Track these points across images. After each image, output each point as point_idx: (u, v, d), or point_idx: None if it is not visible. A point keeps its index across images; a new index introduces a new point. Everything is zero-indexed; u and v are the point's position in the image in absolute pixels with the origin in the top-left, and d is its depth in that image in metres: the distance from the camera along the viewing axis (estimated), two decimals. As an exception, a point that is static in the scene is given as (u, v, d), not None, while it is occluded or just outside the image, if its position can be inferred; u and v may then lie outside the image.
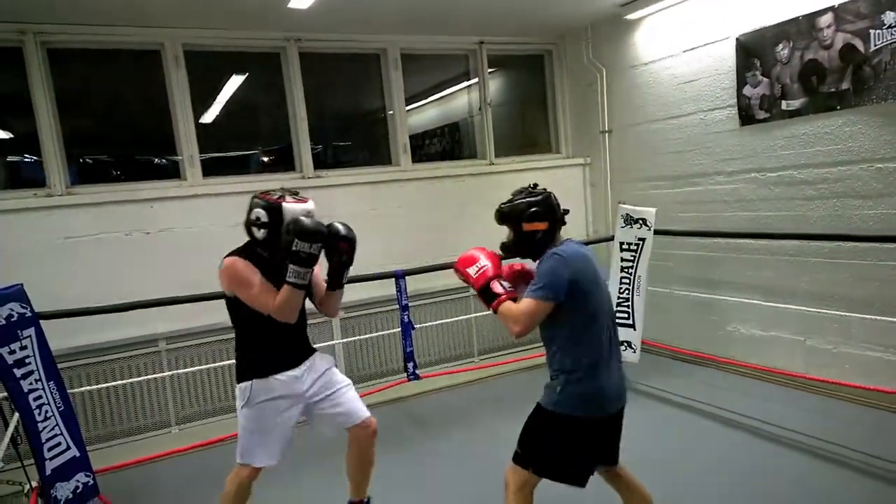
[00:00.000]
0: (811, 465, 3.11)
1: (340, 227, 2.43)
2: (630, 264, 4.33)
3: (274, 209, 2.33)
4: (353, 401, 2.60)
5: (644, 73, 4.95)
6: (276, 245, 2.33)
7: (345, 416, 2.58)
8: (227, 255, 2.42)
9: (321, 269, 2.52)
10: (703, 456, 3.31)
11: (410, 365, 4.11)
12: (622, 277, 4.37)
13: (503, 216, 2.23)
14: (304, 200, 2.40)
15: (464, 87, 5.65)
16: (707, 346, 4.64)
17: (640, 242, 4.28)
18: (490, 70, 5.51)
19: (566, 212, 2.25)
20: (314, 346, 2.65)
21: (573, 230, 5.57)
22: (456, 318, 4.84)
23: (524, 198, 2.21)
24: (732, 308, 4.44)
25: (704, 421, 3.76)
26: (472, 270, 2.21)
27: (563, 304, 2.05)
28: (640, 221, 4.28)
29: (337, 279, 2.51)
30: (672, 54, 4.67)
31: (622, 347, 4.32)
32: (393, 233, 4.84)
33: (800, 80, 3.85)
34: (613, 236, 4.46)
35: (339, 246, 2.42)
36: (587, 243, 5.32)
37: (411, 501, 3.00)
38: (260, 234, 2.38)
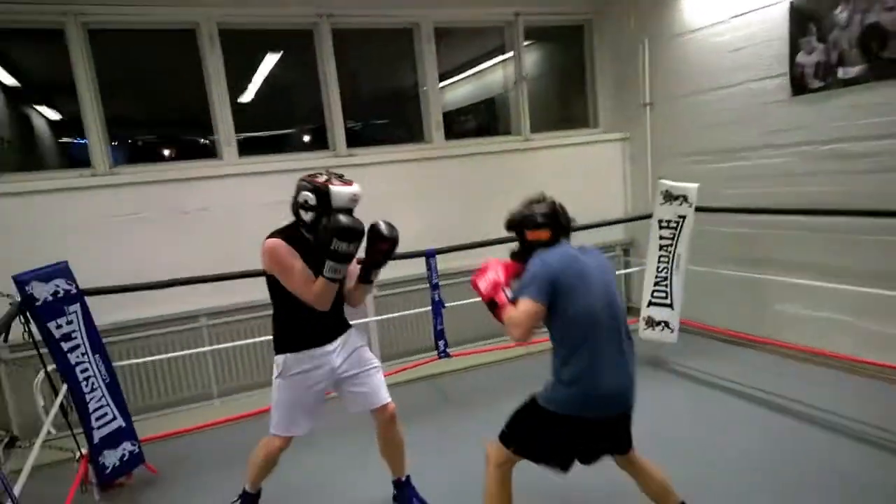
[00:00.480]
0: (860, 452, 2.98)
1: (383, 226, 2.45)
2: (669, 242, 4.21)
3: (322, 192, 2.35)
4: (376, 384, 2.63)
5: (690, 42, 4.74)
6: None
7: (366, 398, 2.63)
8: (270, 236, 2.44)
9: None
10: (743, 440, 3.21)
11: (441, 343, 4.13)
12: (660, 256, 4.26)
13: (510, 225, 2.33)
14: (349, 183, 2.41)
15: (499, 62, 5.54)
16: (751, 326, 4.50)
17: (681, 220, 4.15)
18: (526, 43, 5.37)
19: (571, 220, 2.31)
20: (350, 322, 2.68)
21: (611, 208, 5.51)
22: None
23: (530, 207, 2.31)
24: (778, 287, 4.27)
25: (746, 404, 3.65)
26: (482, 285, 2.27)
27: (550, 306, 2.09)
28: (681, 198, 4.14)
29: (366, 275, 2.54)
30: (720, 21, 4.44)
31: (659, 328, 4.26)
32: (425, 211, 4.82)
33: (859, 45, 3.60)
34: (652, 213, 4.33)
35: (380, 246, 2.45)
36: (624, 221, 5.39)
37: (437, 476, 3.01)
38: (307, 216, 2.39)
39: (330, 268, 2.28)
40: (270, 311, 4.38)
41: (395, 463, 2.78)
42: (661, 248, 4.26)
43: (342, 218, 2.26)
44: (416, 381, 4.42)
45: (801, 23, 3.88)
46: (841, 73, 3.72)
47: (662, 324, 4.26)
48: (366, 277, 2.54)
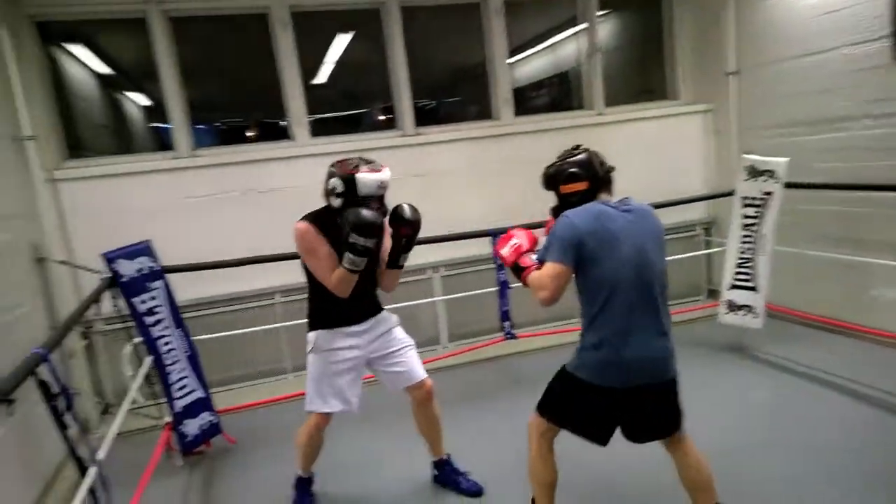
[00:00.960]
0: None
1: (407, 210, 2.45)
2: (754, 221, 3.94)
3: (348, 179, 2.35)
4: (411, 361, 2.66)
5: (779, 4, 4.38)
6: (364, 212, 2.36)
7: (402, 376, 2.66)
8: (302, 219, 2.50)
9: (389, 242, 2.55)
10: (830, 433, 3.00)
11: (507, 324, 4.08)
12: (744, 236, 4.00)
13: (546, 180, 2.20)
14: (378, 170, 2.39)
15: (572, 34, 5.33)
16: (845, 312, 4.16)
17: (767, 197, 3.87)
18: (600, 13, 5.13)
19: (610, 169, 2.15)
20: (384, 306, 2.73)
21: (692, 185, 5.23)
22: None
23: (563, 159, 2.16)
24: (878, 270, 3.90)
25: (834, 394, 3.40)
26: (505, 251, 2.19)
27: (577, 268, 2.00)
28: (768, 173, 3.86)
29: (394, 260, 2.54)
30: (814, -21, 4.08)
31: (741, 313, 4.02)
32: (492, 190, 4.75)
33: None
34: (735, 191, 4.06)
35: (401, 231, 2.46)
36: (705, 198, 5.10)
37: (499, 456, 2.99)
38: (336, 203, 2.42)
39: (348, 260, 2.31)
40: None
41: (434, 441, 2.80)
42: (744, 227, 4.00)
43: (361, 212, 2.27)
44: (482, 363, 4.40)
45: (907, -21, 3.50)
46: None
47: (745, 308, 4.01)
48: (394, 263, 2.55)
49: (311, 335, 2.59)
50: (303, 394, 3.97)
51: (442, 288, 4.70)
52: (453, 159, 4.63)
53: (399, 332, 2.70)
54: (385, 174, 2.41)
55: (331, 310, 2.54)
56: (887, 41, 3.67)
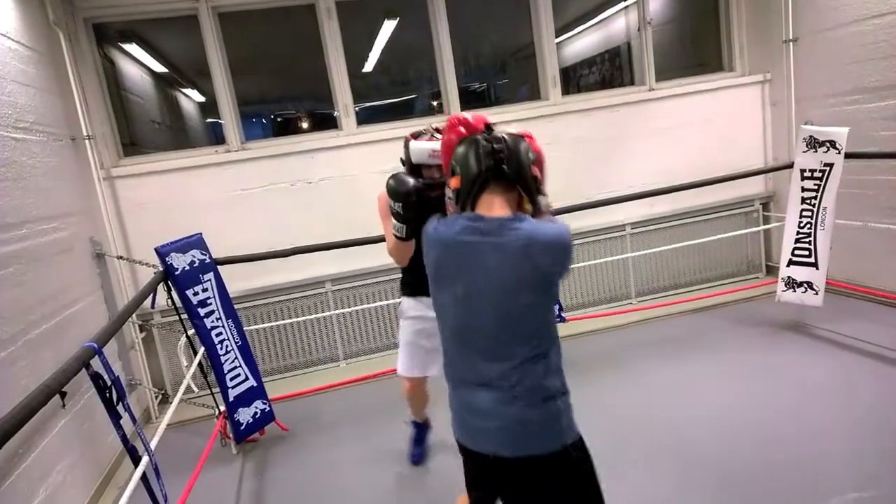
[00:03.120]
0: None
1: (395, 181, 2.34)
2: (813, 194, 3.76)
3: (406, 148, 2.44)
4: None
5: (839, -34, 4.13)
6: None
7: None
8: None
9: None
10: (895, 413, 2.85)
11: (556, 307, 4.01)
12: (803, 210, 3.81)
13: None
14: (435, 139, 2.39)
15: (622, 8, 5.17)
16: (911, 287, 3.94)
17: (827, 168, 3.67)
18: (651, -16, 4.95)
19: (494, 164, 1.48)
20: None
21: (749, 159, 5.02)
22: (609, 259, 4.66)
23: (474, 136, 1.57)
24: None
25: (903, 374, 3.23)
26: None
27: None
28: (828, 144, 3.66)
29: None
30: (877, -65, 3.82)
31: (801, 290, 3.84)
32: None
33: None
34: (793, 163, 3.88)
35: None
36: (762, 172, 4.88)
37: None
38: (405, 169, 2.49)
39: (394, 225, 2.36)
40: (389, 277, 4.55)
41: None
42: (803, 200, 3.81)
43: (395, 176, 2.28)
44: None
45: None
46: None
47: (805, 285, 3.84)
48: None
49: (402, 301, 2.73)
50: (354, 381, 4.12)
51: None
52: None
53: None
54: (437, 144, 2.33)
55: (415, 278, 2.62)
56: (960, -4, 3.41)
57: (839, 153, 3.61)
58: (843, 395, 3.11)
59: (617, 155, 4.77)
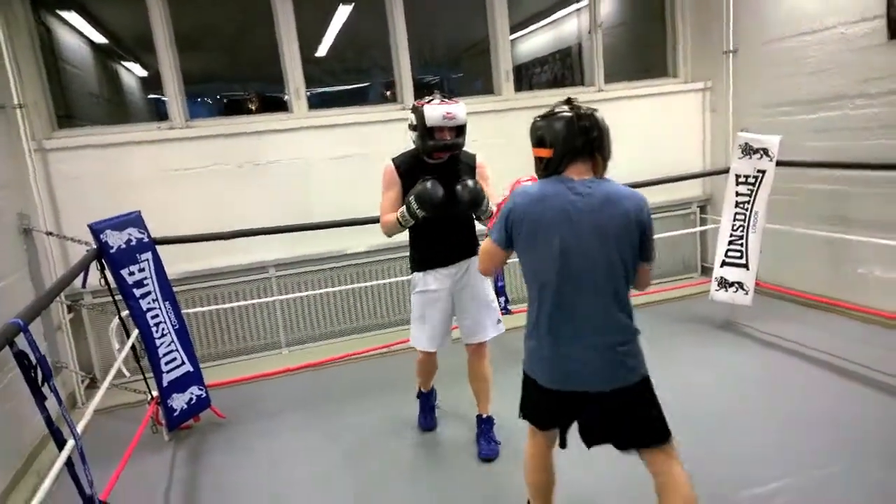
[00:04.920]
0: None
1: (459, 191, 2.56)
2: (746, 199, 3.94)
3: (419, 112, 2.54)
4: (472, 321, 2.80)
5: (777, -17, 4.34)
6: (425, 149, 2.58)
7: (465, 331, 2.84)
8: (392, 158, 2.73)
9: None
10: (814, 407, 3.03)
11: (502, 300, 4.07)
12: (736, 213, 4.00)
13: (529, 134, 1.92)
14: (449, 102, 2.55)
15: (574, 10, 5.27)
16: (832, 289, 4.20)
17: (760, 175, 3.87)
18: (602, -12, 5.08)
19: (593, 140, 1.76)
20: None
21: (689, 162, 5.21)
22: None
23: (547, 115, 1.85)
24: (865, 249, 3.92)
25: (820, 370, 3.43)
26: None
27: (516, 250, 1.85)
28: (761, 151, 3.85)
29: (477, 217, 2.74)
30: (812, -42, 4.04)
31: (732, 289, 4.03)
32: (493, 164, 4.71)
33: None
34: (729, 168, 4.06)
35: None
36: (700, 175, 5.09)
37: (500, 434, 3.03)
38: (412, 136, 2.63)
39: (401, 213, 2.56)
40: (337, 264, 4.49)
41: (481, 397, 2.93)
42: (737, 204, 4.00)
43: (427, 185, 2.47)
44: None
45: (905, -43, 3.47)
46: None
47: (736, 285, 4.03)
48: (477, 219, 2.77)
49: (413, 276, 2.83)
50: (297, 368, 4.07)
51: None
52: (453, 133, 4.59)
53: (483, 286, 2.81)
54: (454, 107, 2.53)
55: (423, 253, 2.77)
56: (882, 20, 3.65)
57: (771, 161, 3.81)
58: (769, 390, 3.29)
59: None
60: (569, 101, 1.85)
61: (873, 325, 3.91)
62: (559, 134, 1.78)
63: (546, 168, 1.82)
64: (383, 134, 4.55)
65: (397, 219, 2.58)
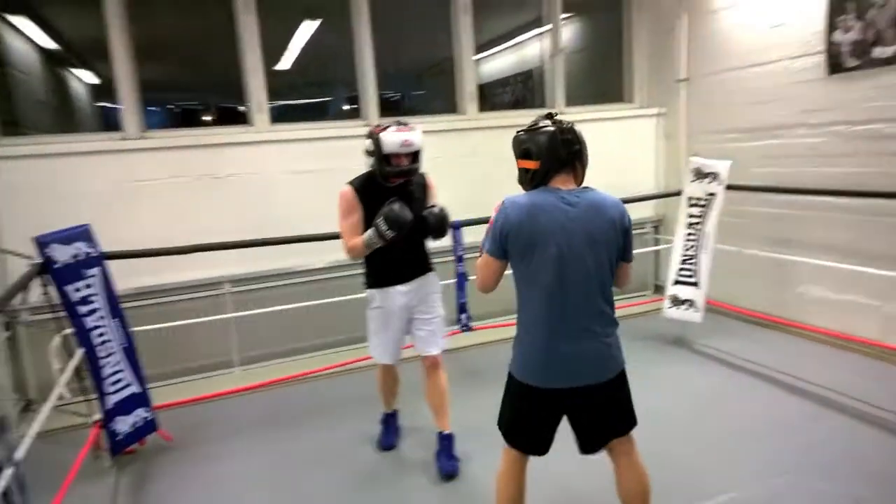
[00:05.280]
0: (879, 439, 2.89)
1: (431, 218, 2.67)
2: (698, 220, 4.09)
3: (375, 139, 2.59)
4: (428, 333, 2.87)
5: (726, 18, 4.57)
6: (381, 173, 2.62)
7: (419, 343, 2.90)
8: (349, 182, 2.73)
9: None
10: (761, 422, 3.14)
11: (464, 316, 4.09)
12: (688, 234, 4.14)
13: (512, 145, 2.02)
14: (405, 129, 2.61)
15: (536, 35, 5.41)
16: (776, 308, 4.38)
17: (710, 198, 4.02)
18: (564, 16, 5.24)
19: (575, 152, 1.90)
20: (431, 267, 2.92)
21: (644, 184, 5.37)
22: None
23: (530, 128, 1.96)
24: (806, 269, 4.12)
25: (766, 385, 3.56)
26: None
27: (510, 260, 1.92)
28: (712, 175, 4.01)
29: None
30: (758, -4, 4.26)
31: (684, 307, 4.15)
32: (455, 183, 4.70)
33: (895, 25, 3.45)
34: (682, 191, 4.20)
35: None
36: (654, 197, 5.26)
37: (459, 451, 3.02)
38: (369, 162, 2.66)
39: (369, 237, 2.57)
40: (296, 280, 4.30)
41: (439, 413, 2.93)
42: (689, 225, 4.14)
43: (395, 207, 2.50)
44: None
45: (840, 1, 3.73)
46: (877, 52, 3.58)
47: (688, 303, 4.15)
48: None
49: (367, 292, 2.87)
50: (250, 388, 3.96)
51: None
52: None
53: (435, 300, 2.90)
54: (410, 134, 2.60)
55: (379, 269, 2.80)
56: (822, 56, 3.87)
57: (721, 185, 3.96)
58: (718, 405, 3.38)
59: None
60: (550, 116, 1.97)
61: (814, 342, 4.08)
62: (544, 146, 1.89)
63: (532, 179, 1.93)
64: (346, 149, 4.48)
65: (364, 242, 2.60)
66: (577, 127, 1.97)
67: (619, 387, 1.97)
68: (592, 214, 1.86)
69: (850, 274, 3.79)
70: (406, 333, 2.91)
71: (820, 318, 4.09)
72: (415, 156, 2.66)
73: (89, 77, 4.82)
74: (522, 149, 1.95)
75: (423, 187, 2.84)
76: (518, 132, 2.01)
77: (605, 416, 1.98)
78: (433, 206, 2.71)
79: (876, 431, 2.95)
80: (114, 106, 4.17)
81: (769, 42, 4.23)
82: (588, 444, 2.01)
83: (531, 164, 1.92)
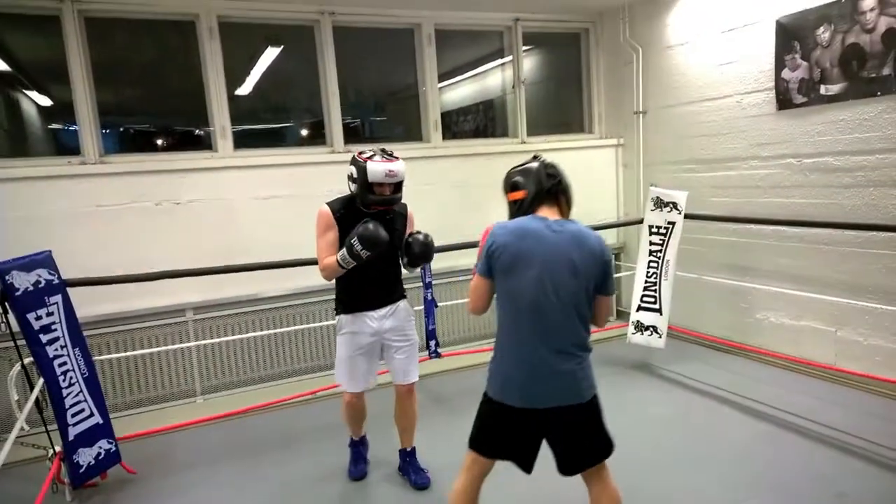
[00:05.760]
0: (837, 459, 3.01)
1: (415, 245, 2.72)
2: (659, 248, 4.23)
3: (360, 167, 2.62)
4: (404, 360, 2.87)
5: (681, 54, 4.80)
6: (363, 200, 2.67)
7: (393, 371, 2.90)
8: (327, 202, 2.75)
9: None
10: (723, 444, 3.23)
11: (433, 343, 4.10)
12: (650, 261, 4.28)
13: (503, 185, 2.20)
14: (389, 160, 2.64)
15: (498, 65, 5.55)
16: (735, 333, 4.54)
17: (670, 226, 4.17)
18: (525, 48, 5.41)
19: (556, 185, 2.07)
20: (404, 295, 2.94)
21: (604, 212, 5.52)
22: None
23: (518, 166, 2.16)
24: (763, 296, 4.31)
25: (727, 409, 3.67)
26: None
27: (495, 278, 2.00)
28: (671, 205, 4.17)
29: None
30: (710, 35, 4.51)
31: (647, 333, 4.27)
32: (421, 210, 4.75)
33: (840, 64, 3.70)
34: (643, 219, 4.35)
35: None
36: (616, 225, 5.43)
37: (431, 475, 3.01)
38: (352, 188, 2.70)
39: (342, 256, 2.57)
40: (261, 307, 4.32)
41: (405, 433, 3.01)
42: (650, 253, 4.28)
43: (370, 226, 2.52)
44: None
45: (787, 40, 3.97)
46: (823, 90, 3.81)
47: (651, 328, 4.27)
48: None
49: (338, 318, 2.85)
50: (213, 418, 3.86)
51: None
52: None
53: (409, 327, 2.90)
54: (395, 165, 2.64)
55: (352, 294, 2.78)
56: (771, 93, 4.11)
57: (680, 213, 4.13)
58: (680, 428, 3.47)
59: (494, 200, 5.02)
60: (536, 157, 2.15)
61: (772, 366, 4.24)
62: (531, 178, 2.07)
63: (520, 208, 2.08)
64: (312, 176, 4.55)
65: (337, 261, 2.60)
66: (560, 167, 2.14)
67: (593, 411, 2.03)
68: (575, 244, 1.97)
69: (804, 301, 3.99)
70: (379, 360, 2.91)
71: (777, 344, 4.26)
72: (398, 185, 2.71)
73: (42, 99, 4.68)
74: (511, 182, 2.12)
75: (403, 217, 2.86)
76: (509, 171, 2.18)
77: (582, 439, 2.02)
78: (417, 232, 2.75)
79: (833, 452, 3.08)
80: (68, 128, 4.06)
81: (721, 78, 4.46)
82: (565, 467, 2.05)
83: (519, 195, 2.08)
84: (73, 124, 4.09)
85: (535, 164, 2.10)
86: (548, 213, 2.05)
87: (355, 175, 2.66)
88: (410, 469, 2.97)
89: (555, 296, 1.93)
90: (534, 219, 2.02)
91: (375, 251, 2.55)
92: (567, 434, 2.01)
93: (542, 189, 2.06)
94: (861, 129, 3.65)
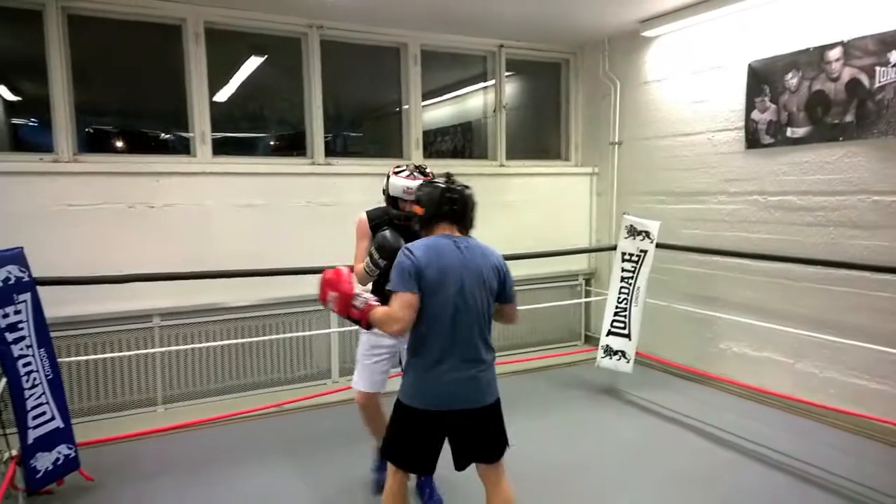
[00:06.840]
0: (792, 486, 3.11)
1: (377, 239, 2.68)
2: (630, 275, 4.34)
3: (387, 180, 2.74)
4: None
5: (657, 90, 4.98)
6: (389, 212, 2.77)
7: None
8: (367, 210, 2.85)
9: None
10: (685, 470, 3.31)
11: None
12: (621, 287, 4.37)
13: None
14: (413, 178, 2.70)
15: (480, 88, 5.66)
16: (700, 361, 4.66)
17: (642, 254, 4.29)
18: (507, 73, 5.52)
19: (456, 209, 2.20)
20: None
21: (577, 237, 5.64)
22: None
23: (426, 182, 2.37)
24: (727, 326, 4.45)
25: (689, 435, 3.76)
26: (330, 304, 2.25)
27: (421, 296, 2.09)
28: (644, 234, 4.29)
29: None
30: (685, 74, 4.71)
31: (616, 357, 4.35)
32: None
33: (806, 109, 3.90)
34: (616, 246, 4.46)
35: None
36: (589, 251, 5.54)
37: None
38: (384, 197, 2.80)
39: (366, 263, 2.66)
40: (235, 315, 4.27)
41: None
42: (622, 279, 4.38)
43: (385, 234, 2.57)
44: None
45: (757, 84, 4.17)
46: (789, 132, 4.00)
47: (619, 353, 4.35)
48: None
49: None
50: (174, 427, 3.77)
51: (338, 321, 4.62)
52: (361, 191, 4.61)
53: None
54: (414, 182, 2.65)
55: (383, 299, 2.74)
56: (741, 132, 4.30)
57: (652, 242, 4.25)
58: (646, 453, 3.53)
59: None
60: (447, 175, 2.29)
61: (734, 395, 4.36)
62: (430, 199, 2.23)
63: (419, 222, 2.27)
64: (291, 186, 4.55)
65: (364, 268, 2.68)
66: (470, 191, 2.27)
67: (495, 413, 2.22)
68: (480, 259, 2.17)
69: (765, 332, 4.14)
70: (393, 367, 2.91)
71: (739, 373, 4.39)
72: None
73: (6, 93, 4.55)
74: (416, 195, 2.33)
75: None
76: (421, 182, 2.42)
77: (479, 438, 2.20)
78: (384, 229, 2.72)
79: (790, 479, 3.18)
80: (31, 123, 3.96)
81: (694, 115, 4.64)
82: (460, 462, 2.23)
83: (419, 210, 2.26)
84: (40, 120, 3.99)
85: (438, 187, 2.23)
86: (449, 231, 2.21)
87: (384, 186, 2.78)
88: (426, 487, 2.93)
89: (468, 309, 2.12)
90: (443, 237, 2.18)
91: (390, 257, 2.49)
92: (468, 433, 2.19)
93: (438, 212, 2.21)
94: (823, 171, 3.84)
